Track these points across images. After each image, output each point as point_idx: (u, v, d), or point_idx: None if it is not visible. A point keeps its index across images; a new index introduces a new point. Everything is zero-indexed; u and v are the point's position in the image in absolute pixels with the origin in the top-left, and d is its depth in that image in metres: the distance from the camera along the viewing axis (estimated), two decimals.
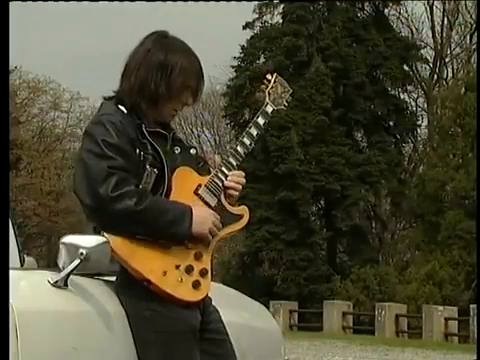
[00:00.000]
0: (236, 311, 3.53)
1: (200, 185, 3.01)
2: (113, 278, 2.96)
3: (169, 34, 3.10)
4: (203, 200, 3.00)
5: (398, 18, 36.38)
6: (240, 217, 3.06)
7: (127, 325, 2.88)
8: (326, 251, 33.55)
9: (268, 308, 7.42)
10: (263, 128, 3.16)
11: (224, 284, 3.91)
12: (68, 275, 2.66)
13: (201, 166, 3.11)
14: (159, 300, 2.86)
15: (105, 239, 2.77)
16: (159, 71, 2.99)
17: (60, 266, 2.70)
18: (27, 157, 34.67)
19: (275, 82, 3.23)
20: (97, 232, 2.87)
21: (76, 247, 2.68)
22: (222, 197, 3.04)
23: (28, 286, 2.62)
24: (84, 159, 2.88)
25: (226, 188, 3.04)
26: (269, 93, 3.21)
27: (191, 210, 2.91)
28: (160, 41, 3.05)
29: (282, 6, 33.64)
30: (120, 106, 2.99)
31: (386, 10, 34.86)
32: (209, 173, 3.07)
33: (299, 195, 30.99)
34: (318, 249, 32.92)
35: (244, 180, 3.08)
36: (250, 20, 33.76)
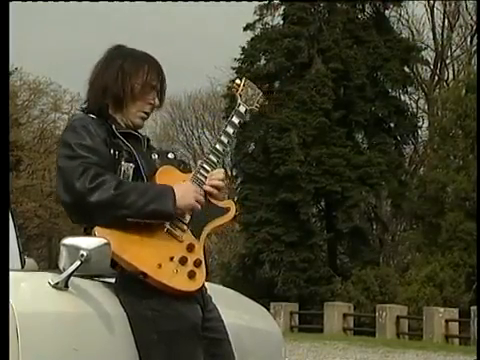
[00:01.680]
0: (237, 312, 3.53)
1: (184, 181, 3.07)
2: (114, 280, 2.97)
3: (123, 45, 3.21)
4: None
5: (399, 20, 36.40)
6: (227, 210, 3.13)
7: (128, 326, 2.88)
8: (327, 253, 33.53)
9: (269, 310, 7.42)
10: (238, 127, 3.32)
11: (225, 286, 3.92)
12: (69, 277, 2.67)
13: (182, 168, 3.19)
14: (159, 299, 2.87)
15: (106, 240, 2.77)
16: (120, 74, 3.07)
17: (61, 268, 2.70)
18: (28, 159, 34.68)
19: (244, 85, 3.36)
20: (87, 232, 2.89)
21: (77, 249, 2.68)
22: (207, 195, 3.10)
23: (29, 288, 2.61)
24: (59, 164, 2.95)
25: (206, 192, 3.10)
26: (240, 95, 3.34)
27: (172, 188, 2.96)
28: (116, 50, 3.16)
29: (283, 7, 33.64)
30: (89, 114, 3.07)
31: (387, 12, 34.86)
32: (191, 171, 3.15)
33: (300, 196, 30.99)
34: (319, 251, 32.91)
35: (222, 176, 3.16)
36: (251, 21, 33.77)
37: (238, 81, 3.38)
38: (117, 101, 3.07)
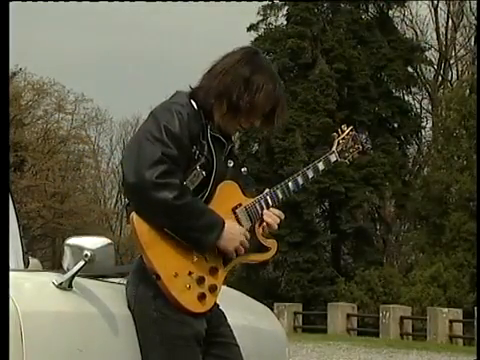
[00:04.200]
0: (241, 313, 3.53)
1: (240, 204, 3.00)
2: (117, 280, 2.96)
3: (260, 52, 3.11)
4: (238, 220, 2.99)
5: (402, 20, 36.40)
6: (267, 249, 3.06)
7: (132, 327, 2.88)
8: (330, 253, 33.53)
9: (272, 310, 7.41)
10: (320, 174, 3.16)
11: (228, 286, 3.91)
12: (73, 277, 2.66)
13: (247, 187, 3.09)
14: (167, 303, 2.85)
15: (110, 241, 2.77)
16: (243, 85, 2.97)
17: (65, 268, 2.70)
18: (32, 159, 34.68)
19: (348, 134, 3.22)
20: (129, 210, 2.86)
21: (81, 249, 2.68)
22: (256, 225, 3.03)
23: (33, 288, 2.61)
24: (141, 138, 2.88)
25: (263, 221, 3.02)
26: (338, 143, 3.21)
27: (224, 223, 2.90)
28: (251, 56, 3.04)
29: (286, 8, 33.66)
30: (193, 101, 2.99)
31: (390, 12, 34.86)
32: (253, 196, 3.06)
33: (303, 197, 30.98)
34: (322, 251, 32.91)
35: (281, 220, 3.06)
36: (254, 22, 33.81)
37: (344, 127, 3.24)
38: (229, 108, 2.97)
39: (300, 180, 3.12)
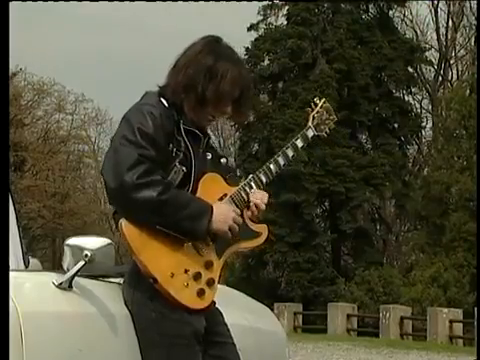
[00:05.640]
0: (241, 313, 3.53)
1: (225, 194, 3.00)
2: (118, 280, 2.96)
3: (222, 40, 3.08)
4: None
5: (403, 20, 36.41)
6: (258, 235, 3.05)
7: (132, 327, 2.88)
8: (330, 253, 33.53)
9: (272, 310, 7.40)
10: (300, 151, 3.15)
11: (228, 286, 3.90)
12: (73, 277, 2.67)
13: (229, 176, 3.09)
14: (165, 302, 2.85)
15: (110, 241, 2.77)
16: (207, 75, 2.96)
17: (65, 268, 2.70)
18: (32, 159, 34.68)
19: (322, 107, 3.21)
20: (117, 218, 2.85)
21: (81, 249, 2.68)
22: (244, 211, 3.02)
23: (33, 288, 2.61)
24: (116, 143, 2.88)
25: (250, 203, 3.02)
26: (313, 117, 3.20)
27: (212, 208, 2.90)
28: (212, 45, 3.04)
29: (286, 8, 33.65)
30: (162, 99, 2.99)
31: (391, 12, 34.86)
32: (236, 185, 3.05)
33: (303, 197, 30.99)
34: (322, 251, 32.91)
35: (266, 199, 3.05)
36: (254, 22, 33.80)
37: (317, 100, 3.22)
38: (197, 100, 2.97)
39: (281, 160, 3.12)
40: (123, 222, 2.81)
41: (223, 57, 3.00)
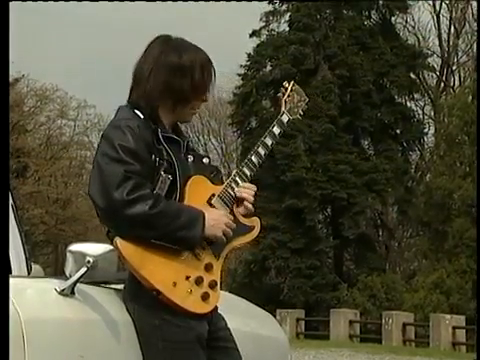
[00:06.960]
0: (243, 319, 3.53)
1: (213, 195, 3.00)
2: (120, 286, 2.96)
3: (172, 36, 3.08)
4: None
5: (405, 26, 36.42)
6: (251, 228, 3.05)
7: (134, 333, 2.87)
8: (333, 259, 33.49)
9: (275, 316, 7.40)
10: (278, 138, 3.13)
11: (231, 292, 3.90)
12: (75, 283, 2.66)
13: (214, 175, 3.09)
14: (168, 309, 2.85)
15: (112, 247, 2.76)
16: (178, 72, 2.97)
17: (67, 274, 2.70)
18: (34, 165, 34.72)
19: (292, 90, 3.19)
20: (111, 237, 2.85)
21: (83, 255, 2.67)
22: (234, 207, 3.02)
23: (35, 294, 2.61)
24: (100, 162, 2.86)
25: (239, 199, 3.02)
26: (285, 102, 3.19)
27: (204, 215, 2.90)
28: (168, 43, 3.03)
29: (289, 14, 33.67)
30: (136, 111, 2.97)
31: (393, 18, 34.86)
32: (222, 182, 3.06)
33: (306, 203, 30.96)
34: (325, 257, 32.87)
35: (254, 191, 3.05)
36: (257, 28, 33.81)
37: (286, 84, 3.20)
38: (178, 100, 2.97)
39: (261, 150, 3.11)
40: (118, 240, 2.80)
41: (184, 49, 3.01)
